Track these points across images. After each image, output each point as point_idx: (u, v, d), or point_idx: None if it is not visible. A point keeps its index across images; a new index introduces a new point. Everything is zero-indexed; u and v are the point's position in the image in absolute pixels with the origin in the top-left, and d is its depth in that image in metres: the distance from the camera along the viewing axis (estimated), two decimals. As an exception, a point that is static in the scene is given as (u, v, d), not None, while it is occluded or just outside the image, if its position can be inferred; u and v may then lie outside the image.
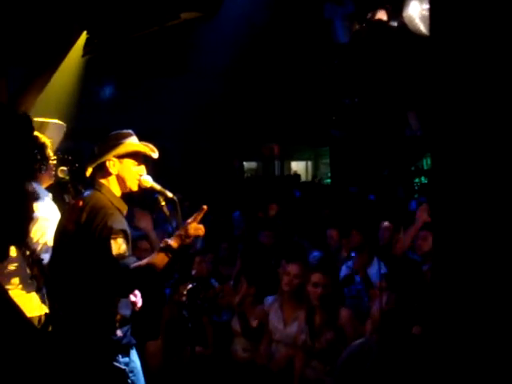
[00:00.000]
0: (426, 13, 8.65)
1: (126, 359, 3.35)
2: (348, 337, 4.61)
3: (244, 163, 18.95)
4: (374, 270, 5.64)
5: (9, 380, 1.23)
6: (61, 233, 3.45)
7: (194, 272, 4.36)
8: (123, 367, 3.30)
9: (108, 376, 3.25)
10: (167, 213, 3.65)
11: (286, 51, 13.41)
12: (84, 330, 3.23)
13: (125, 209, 3.52)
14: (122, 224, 3.34)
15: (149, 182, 3.56)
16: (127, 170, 3.50)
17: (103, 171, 3.46)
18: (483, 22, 2.56)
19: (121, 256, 3.16)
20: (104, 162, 3.45)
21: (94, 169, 3.50)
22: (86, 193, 3.50)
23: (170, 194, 3.59)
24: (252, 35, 12.74)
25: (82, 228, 3.25)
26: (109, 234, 3.18)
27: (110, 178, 3.48)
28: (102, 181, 3.47)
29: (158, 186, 3.60)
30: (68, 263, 3.33)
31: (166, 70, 13.81)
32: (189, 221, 3.33)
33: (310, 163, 20.92)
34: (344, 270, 6.05)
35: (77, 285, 3.27)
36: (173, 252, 3.22)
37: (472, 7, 2.60)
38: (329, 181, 16.96)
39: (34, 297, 3.93)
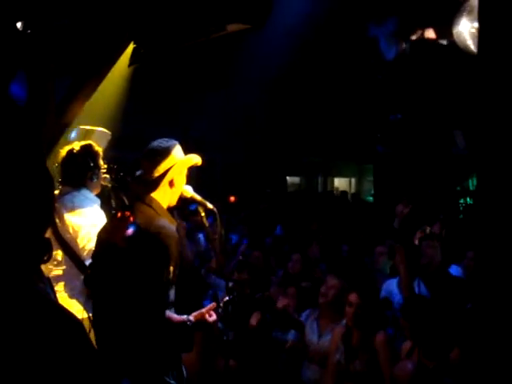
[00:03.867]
0: (476, 31, 8.54)
1: (176, 372, 3.27)
2: (382, 362, 4.52)
3: (287, 178, 18.91)
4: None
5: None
6: (106, 244, 3.28)
7: (230, 284, 4.32)
8: (172, 382, 3.22)
9: None
10: (207, 224, 3.62)
11: (332, 67, 13.39)
12: (135, 346, 3.14)
13: (174, 223, 3.33)
14: (177, 249, 3.27)
15: (190, 192, 3.52)
16: (182, 182, 3.40)
17: (155, 184, 3.29)
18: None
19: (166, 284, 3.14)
20: (159, 176, 3.28)
21: (140, 180, 3.33)
22: (134, 205, 3.31)
23: (210, 205, 3.56)
24: (298, 50, 12.75)
25: (135, 246, 3.10)
26: (165, 260, 3.09)
27: (162, 192, 3.33)
28: (152, 194, 3.30)
29: (198, 197, 3.55)
30: (112, 275, 3.18)
31: (210, 83, 13.90)
32: (204, 311, 3.28)
33: (353, 180, 20.77)
34: (384, 291, 5.95)
35: (124, 299, 3.11)
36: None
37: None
38: (371, 198, 16.80)
39: (75, 302, 3.99)
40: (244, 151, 15.66)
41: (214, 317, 3.29)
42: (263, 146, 15.65)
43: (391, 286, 5.94)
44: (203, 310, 3.28)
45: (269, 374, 5.30)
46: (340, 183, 20.27)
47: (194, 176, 3.65)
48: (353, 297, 4.79)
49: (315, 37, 12.67)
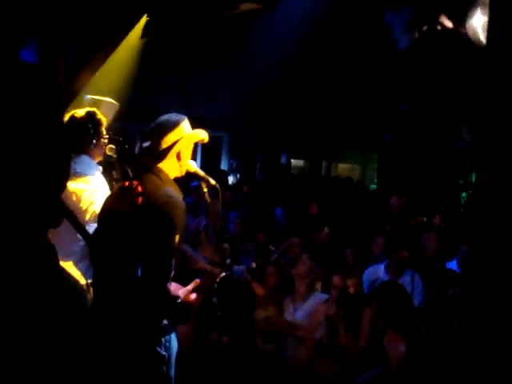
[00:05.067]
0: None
1: (167, 343, 3.31)
2: (364, 336, 4.68)
3: (291, 160, 18.88)
4: (407, 279, 5.59)
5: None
6: (110, 211, 3.35)
7: (228, 261, 4.38)
8: (163, 353, 3.26)
9: (145, 363, 3.21)
10: (209, 200, 3.65)
11: (343, 53, 13.35)
12: (132, 315, 3.14)
13: (180, 193, 3.38)
14: (184, 219, 3.30)
15: (193, 167, 3.55)
16: (188, 156, 3.45)
17: (162, 155, 3.36)
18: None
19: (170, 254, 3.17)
20: (167, 147, 3.35)
21: (148, 151, 3.38)
22: (141, 176, 3.37)
23: (212, 181, 3.59)
24: (309, 33, 12.70)
25: (142, 213, 3.15)
26: (172, 229, 3.13)
27: (169, 163, 3.38)
28: (160, 165, 3.36)
29: (201, 172, 3.59)
30: (118, 242, 3.23)
31: (219, 60, 13.86)
32: (189, 288, 3.33)
33: (357, 166, 20.74)
34: (370, 275, 5.97)
35: (125, 266, 3.16)
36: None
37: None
38: (374, 186, 16.81)
39: (70, 266, 3.99)
40: (252, 132, 15.63)
41: (194, 295, 3.34)
42: (270, 127, 15.63)
43: (378, 270, 5.97)
44: (189, 287, 3.33)
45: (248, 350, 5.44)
46: (344, 169, 20.24)
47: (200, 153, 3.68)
48: (336, 279, 4.94)
49: (328, 22, 12.62)
